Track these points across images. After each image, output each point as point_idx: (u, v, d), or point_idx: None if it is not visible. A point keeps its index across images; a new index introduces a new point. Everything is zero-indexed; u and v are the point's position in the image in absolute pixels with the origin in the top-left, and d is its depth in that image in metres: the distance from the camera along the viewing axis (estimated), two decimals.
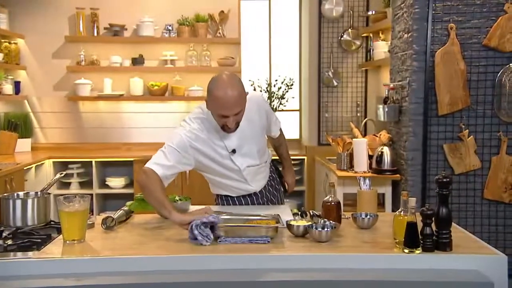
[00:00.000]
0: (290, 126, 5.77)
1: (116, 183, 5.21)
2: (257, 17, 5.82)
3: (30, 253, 1.85)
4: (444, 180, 1.99)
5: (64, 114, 5.56)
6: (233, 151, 2.54)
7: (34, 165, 4.79)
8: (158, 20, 5.41)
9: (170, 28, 5.45)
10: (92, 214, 2.33)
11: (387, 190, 3.93)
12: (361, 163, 3.91)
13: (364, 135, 4.86)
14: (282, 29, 5.82)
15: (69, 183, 5.24)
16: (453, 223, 2.38)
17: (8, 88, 5.14)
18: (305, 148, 5.45)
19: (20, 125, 5.23)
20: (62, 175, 2.45)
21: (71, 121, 5.56)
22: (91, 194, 5.08)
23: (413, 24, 3.69)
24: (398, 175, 3.91)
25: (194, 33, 5.48)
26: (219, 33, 5.50)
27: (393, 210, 3.83)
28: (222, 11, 5.48)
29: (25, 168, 4.57)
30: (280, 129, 2.92)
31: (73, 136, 5.57)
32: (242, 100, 2.38)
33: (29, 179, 4.63)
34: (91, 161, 5.10)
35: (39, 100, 5.53)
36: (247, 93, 2.44)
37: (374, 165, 3.93)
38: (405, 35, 3.83)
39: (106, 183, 5.23)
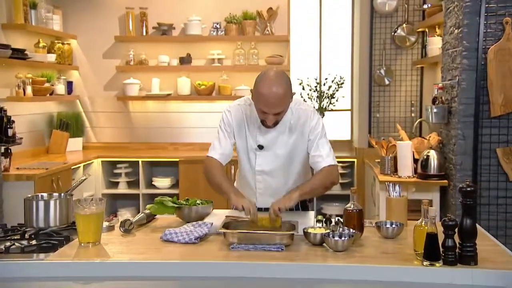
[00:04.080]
0: (341, 126, 5.72)
1: (163, 183, 5.38)
2: (307, 13, 5.80)
3: (42, 255, 1.97)
4: (468, 189, 1.93)
5: (114, 114, 5.80)
6: (260, 147, 2.59)
7: (82, 165, 5.03)
8: (205, 18, 5.52)
9: (217, 26, 5.55)
10: (116, 216, 2.43)
11: (435, 197, 3.81)
12: (405, 167, 3.82)
13: (419, 136, 4.73)
14: (334, 25, 5.76)
15: (117, 183, 5.46)
16: (488, 234, 2.32)
17: (61, 88, 5.42)
18: (355, 150, 5.38)
19: (71, 125, 5.50)
20: (86, 178, 2.57)
21: (120, 121, 5.79)
22: (138, 194, 5.31)
23: (464, 18, 3.56)
24: (445, 181, 3.78)
25: (242, 31, 5.55)
26: (267, 30, 5.54)
27: (440, 219, 3.72)
28: (271, 8, 5.52)
29: (73, 167, 4.80)
30: (327, 166, 2.57)
31: (122, 135, 5.80)
32: (285, 101, 2.43)
33: (77, 178, 4.85)
34: (138, 161, 5.29)
35: (90, 100, 5.80)
36: (294, 93, 2.51)
37: (419, 170, 3.82)
38: (456, 31, 3.70)
39: (153, 183, 5.40)
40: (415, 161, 3.88)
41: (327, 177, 2.57)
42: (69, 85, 5.64)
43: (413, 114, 5.27)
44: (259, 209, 2.64)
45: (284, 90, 2.40)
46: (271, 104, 2.39)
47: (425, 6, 5.00)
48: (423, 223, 1.99)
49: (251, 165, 2.64)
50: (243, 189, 2.66)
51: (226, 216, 2.38)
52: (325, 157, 2.57)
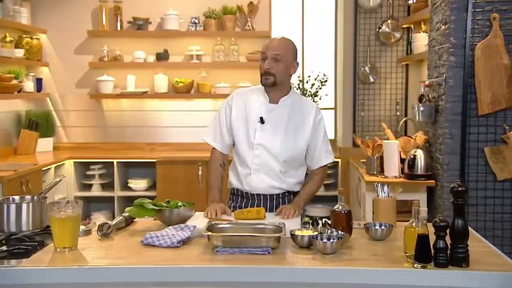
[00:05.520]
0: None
1: (139, 185, 5.33)
2: (290, 8, 5.81)
3: (14, 261, 1.93)
4: (460, 189, 1.95)
5: (86, 113, 5.73)
6: (262, 120, 2.75)
7: (53, 166, 4.96)
8: (183, 13, 5.50)
9: (196, 21, 5.53)
10: (91, 220, 2.41)
11: (422, 197, 3.85)
12: (392, 167, 3.85)
13: (405, 135, 4.78)
14: (317, 21, 5.78)
15: (91, 185, 5.39)
16: (478, 234, 2.36)
17: (30, 86, 5.32)
18: (339, 150, 5.41)
19: (41, 124, 5.41)
20: (61, 179, 2.54)
21: (93, 120, 5.73)
22: (113, 197, 5.25)
23: (451, 14, 3.61)
24: (432, 181, 3.83)
25: (222, 26, 5.53)
26: (248, 26, 5.54)
27: (428, 220, 3.76)
28: (251, 2, 5.51)
29: (43, 169, 4.73)
30: (322, 168, 2.91)
31: (95, 135, 5.73)
32: (284, 49, 2.72)
33: (48, 180, 4.79)
34: (113, 162, 5.23)
35: (61, 98, 5.72)
36: (297, 64, 2.81)
37: (406, 170, 3.86)
38: (442, 27, 3.75)
39: (129, 185, 5.35)
40: (402, 161, 3.92)
41: (321, 179, 2.94)
42: (39, 82, 5.55)
43: (398, 113, 5.32)
44: (252, 195, 2.83)
45: (287, 41, 2.77)
46: (272, 45, 2.72)
47: (410, 2, 5.05)
48: (413, 224, 2.01)
49: (250, 140, 2.78)
50: (238, 168, 2.82)
51: (209, 219, 2.37)
52: (328, 155, 2.88)
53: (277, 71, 2.71)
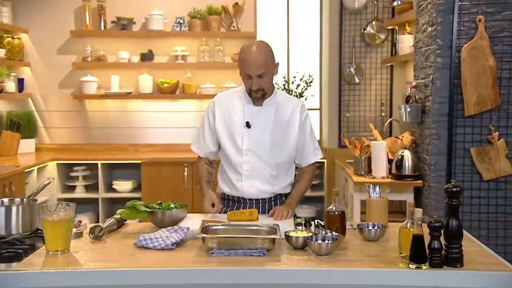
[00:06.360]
0: None
1: (123, 186, 5.28)
2: (275, 9, 5.82)
3: (4, 265, 1.90)
4: (454, 189, 1.97)
5: (69, 113, 5.66)
6: (248, 125, 2.71)
7: (36, 168, 4.89)
8: (168, 13, 5.47)
9: (181, 21, 5.50)
10: (81, 222, 2.38)
11: (409, 198, 3.88)
12: (380, 168, 3.88)
13: (390, 136, 4.82)
14: (302, 22, 5.80)
15: (74, 187, 5.33)
16: (470, 235, 2.38)
17: (11, 86, 5.25)
18: (325, 150, 5.43)
19: (23, 125, 5.33)
20: (50, 181, 2.50)
21: (77, 121, 5.67)
22: (97, 198, 5.20)
23: (437, 16, 3.65)
24: (420, 181, 3.86)
25: (207, 26, 5.52)
26: (234, 26, 5.53)
27: None
28: (237, 3, 5.51)
29: (26, 170, 4.66)
30: (311, 166, 2.91)
31: (79, 136, 5.67)
32: (266, 63, 2.62)
33: (31, 182, 4.72)
34: (97, 163, 5.18)
35: (43, 98, 5.65)
36: (278, 63, 2.72)
37: (394, 170, 3.89)
38: (429, 29, 3.78)
39: (113, 186, 5.30)
40: (389, 161, 3.94)
41: (311, 178, 2.94)
42: (20, 83, 5.47)
43: (383, 113, 5.36)
44: (243, 199, 2.79)
45: (265, 52, 2.64)
46: (253, 64, 2.59)
47: (395, 3, 5.08)
48: (408, 224, 2.02)
49: (238, 146, 2.74)
50: (228, 174, 2.78)
51: (202, 220, 2.36)
52: (316, 151, 2.89)
53: (265, 85, 2.66)
